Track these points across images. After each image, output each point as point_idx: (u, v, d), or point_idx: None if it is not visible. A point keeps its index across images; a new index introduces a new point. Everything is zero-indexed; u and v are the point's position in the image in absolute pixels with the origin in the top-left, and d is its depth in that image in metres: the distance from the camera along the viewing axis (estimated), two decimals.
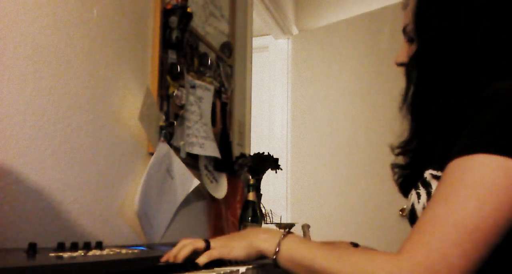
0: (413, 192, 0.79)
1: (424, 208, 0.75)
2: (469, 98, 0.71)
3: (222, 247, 0.80)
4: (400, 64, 0.88)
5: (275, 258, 0.74)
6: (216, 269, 0.76)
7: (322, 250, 0.70)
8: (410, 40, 0.86)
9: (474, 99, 0.69)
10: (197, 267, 0.77)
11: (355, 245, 1.08)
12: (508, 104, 0.65)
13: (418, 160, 0.84)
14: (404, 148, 0.87)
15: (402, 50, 0.88)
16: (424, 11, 0.80)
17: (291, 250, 0.73)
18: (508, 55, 0.74)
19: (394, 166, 0.90)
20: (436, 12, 0.78)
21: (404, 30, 0.86)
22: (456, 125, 0.71)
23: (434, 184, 0.74)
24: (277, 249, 0.74)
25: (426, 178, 0.76)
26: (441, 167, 0.74)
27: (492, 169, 0.61)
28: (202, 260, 0.77)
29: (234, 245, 0.79)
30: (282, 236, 0.75)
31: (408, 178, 0.85)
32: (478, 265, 0.59)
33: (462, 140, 0.66)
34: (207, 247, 0.80)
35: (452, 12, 0.77)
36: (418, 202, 0.77)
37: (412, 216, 0.79)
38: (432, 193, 0.74)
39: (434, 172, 0.75)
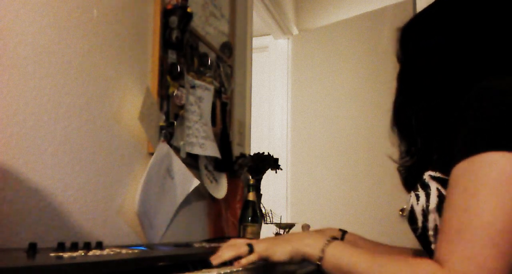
0: (412, 194, 0.79)
1: (423, 209, 0.76)
2: (451, 100, 0.74)
3: (264, 251, 0.82)
4: None
5: (320, 264, 0.76)
6: (216, 269, 0.76)
7: (366, 259, 0.71)
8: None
9: (460, 100, 0.70)
10: (198, 267, 0.77)
11: (344, 232, 1.10)
12: (500, 100, 0.65)
13: (421, 162, 0.85)
14: (406, 156, 0.89)
15: None
16: (409, 32, 0.90)
17: (336, 257, 0.75)
18: (483, 62, 0.77)
19: (400, 168, 0.92)
20: (418, 31, 0.88)
21: (398, 58, 0.93)
22: (447, 127, 0.72)
23: (432, 185, 0.75)
24: (321, 255, 0.76)
25: (425, 179, 0.77)
26: (439, 167, 0.74)
27: (503, 165, 0.61)
28: (242, 262, 0.80)
29: (277, 249, 0.81)
30: (327, 242, 0.77)
31: (412, 177, 0.86)
32: None
33: (462, 140, 0.66)
34: (251, 252, 0.82)
35: (431, 29, 0.85)
36: (417, 203, 0.77)
37: (411, 218, 0.80)
38: (432, 194, 0.74)
39: (433, 173, 0.76)
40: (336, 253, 0.75)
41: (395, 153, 0.93)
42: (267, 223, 1.89)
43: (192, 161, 1.52)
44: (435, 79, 0.81)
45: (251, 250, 0.82)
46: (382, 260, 0.71)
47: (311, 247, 0.78)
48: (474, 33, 0.79)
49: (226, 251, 0.82)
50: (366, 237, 1.12)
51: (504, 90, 0.66)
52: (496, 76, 0.72)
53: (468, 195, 0.63)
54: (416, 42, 0.87)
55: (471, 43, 0.79)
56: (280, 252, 0.81)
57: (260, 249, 0.82)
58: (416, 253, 0.99)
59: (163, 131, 1.34)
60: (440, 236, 0.66)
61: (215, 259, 0.81)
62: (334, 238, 0.78)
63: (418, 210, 0.77)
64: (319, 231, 1.12)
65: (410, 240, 0.93)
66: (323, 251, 0.76)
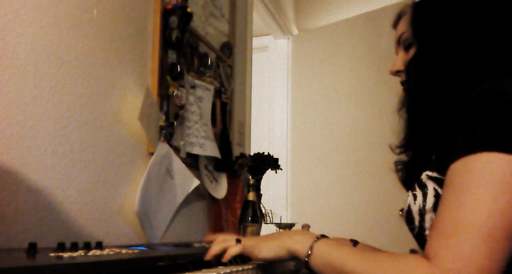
0: (410, 193, 0.79)
1: (420, 209, 0.76)
2: (451, 99, 0.73)
3: (251, 247, 0.83)
4: (397, 72, 0.92)
5: (307, 260, 0.76)
6: (216, 269, 0.76)
7: (353, 254, 0.72)
8: (407, 47, 0.89)
9: (462, 99, 0.69)
10: (198, 267, 0.77)
11: (355, 242, 1.08)
12: (498, 101, 0.65)
13: (418, 158, 0.85)
14: (404, 147, 0.88)
15: (398, 59, 0.92)
16: (422, 16, 0.85)
17: (323, 253, 0.75)
18: (502, 56, 0.76)
19: (397, 163, 0.91)
20: (434, 16, 0.83)
21: (399, 40, 0.90)
22: (449, 126, 0.72)
23: (429, 185, 0.75)
24: (309, 252, 0.76)
25: (422, 179, 0.77)
26: (437, 167, 0.74)
27: (499, 167, 0.61)
28: (226, 257, 0.81)
29: (264, 245, 0.82)
30: (315, 239, 0.77)
31: (411, 175, 0.86)
32: (506, 262, 0.60)
33: (460, 140, 0.66)
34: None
35: (448, 15, 0.81)
36: (414, 203, 0.77)
37: (408, 217, 0.80)
38: (429, 194, 0.74)
39: (430, 173, 0.76)
40: (325, 249, 0.75)
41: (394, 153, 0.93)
42: (267, 223, 1.89)
43: (192, 161, 1.52)
44: (435, 76, 0.80)
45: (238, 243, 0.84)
46: (370, 255, 0.71)
47: (299, 244, 0.78)
48: (476, 30, 0.78)
49: (215, 246, 0.84)
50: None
51: (503, 91, 0.66)
52: (497, 76, 0.72)
53: (461, 192, 0.63)
54: (415, 33, 0.85)
55: (473, 40, 0.77)
56: (266, 249, 0.81)
57: (247, 243, 0.83)
58: None
59: (163, 132, 1.34)
60: (431, 232, 0.66)
61: (207, 256, 0.82)
62: (324, 236, 0.78)
63: (415, 209, 0.77)
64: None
65: (409, 240, 0.93)
66: (311, 247, 0.76)
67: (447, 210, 0.64)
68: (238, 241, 0.84)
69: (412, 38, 0.86)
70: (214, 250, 0.83)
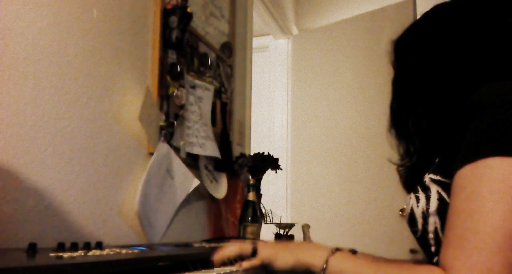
0: (412, 196, 0.79)
1: (423, 212, 0.76)
2: (455, 103, 0.74)
3: (267, 257, 0.81)
4: None
5: None
6: (216, 269, 0.77)
7: (369, 268, 0.71)
8: None
9: (464, 103, 0.69)
10: (198, 267, 0.77)
11: (354, 251, 1.09)
12: (503, 106, 0.65)
13: (420, 163, 0.85)
14: (405, 160, 0.89)
15: None
16: (402, 44, 0.91)
17: (339, 267, 0.75)
18: (476, 70, 0.78)
19: (399, 168, 0.91)
20: (412, 41, 0.89)
21: (393, 65, 0.94)
22: (450, 130, 0.72)
23: (433, 187, 0.75)
24: (324, 266, 0.75)
25: (425, 181, 0.77)
26: (440, 171, 0.74)
27: (508, 171, 0.60)
28: (244, 265, 0.80)
29: (280, 256, 0.81)
30: (331, 253, 0.77)
31: (413, 179, 0.86)
32: None
33: (466, 145, 0.66)
34: (253, 253, 0.82)
35: (425, 39, 0.86)
36: (417, 205, 0.77)
37: (411, 220, 0.80)
38: (432, 197, 0.74)
39: (433, 176, 0.75)
40: (340, 264, 0.75)
41: (394, 154, 0.93)
42: (267, 223, 1.89)
43: (192, 161, 1.52)
44: (429, 86, 0.82)
45: (254, 251, 0.82)
46: (386, 269, 0.70)
47: (315, 258, 0.78)
48: (466, 43, 0.80)
49: (230, 248, 0.83)
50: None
51: (506, 94, 0.66)
52: (499, 77, 0.72)
53: (472, 200, 0.62)
54: (409, 50, 0.88)
55: (464, 52, 0.80)
56: (283, 261, 0.80)
57: (264, 253, 0.82)
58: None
59: (163, 132, 1.34)
60: (445, 242, 0.65)
61: (218, 255, 0.81)
62: (338, 249, 0.78)
63: (418, 212, 0.77)
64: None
65: (409, 240, 0.93)
66: (326, 261, 0.75)
67: (458, 218, 0.63)
68: (254, 247, 0.82)
69: (394, 62, 0.91)
70: (229, 251, 0.82)
